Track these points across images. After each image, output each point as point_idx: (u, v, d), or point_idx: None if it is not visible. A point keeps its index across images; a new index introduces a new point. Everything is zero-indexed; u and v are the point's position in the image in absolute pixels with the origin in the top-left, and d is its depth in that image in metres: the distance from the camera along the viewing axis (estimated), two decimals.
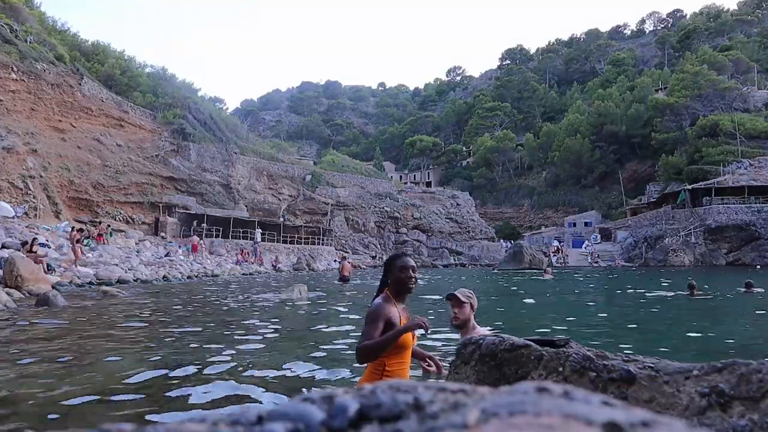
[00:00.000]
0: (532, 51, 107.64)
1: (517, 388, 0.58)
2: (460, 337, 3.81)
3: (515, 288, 17.68)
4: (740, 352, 5.69)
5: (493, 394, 0.58)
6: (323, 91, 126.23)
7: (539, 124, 75.08)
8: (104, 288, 13.18)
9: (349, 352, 5.68)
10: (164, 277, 18.65)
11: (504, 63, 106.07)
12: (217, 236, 34.96)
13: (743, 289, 13.14)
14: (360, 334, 3.04)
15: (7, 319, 8.16)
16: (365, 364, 3.05)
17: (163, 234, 33.53)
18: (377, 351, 2.86)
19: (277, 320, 8.60)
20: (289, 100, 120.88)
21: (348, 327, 7.66)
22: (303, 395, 0.60)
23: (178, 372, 4.62)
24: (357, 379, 4.32)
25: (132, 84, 39.86)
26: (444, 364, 3.63)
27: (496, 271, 33.72)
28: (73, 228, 20.17)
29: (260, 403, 3.75)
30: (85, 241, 21.94)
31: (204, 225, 34.48)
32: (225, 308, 10.33)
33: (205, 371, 4.65)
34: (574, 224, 56.92)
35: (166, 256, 24.99)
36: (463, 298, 3.93)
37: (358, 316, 8.81)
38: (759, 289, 12.90)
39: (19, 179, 26.76)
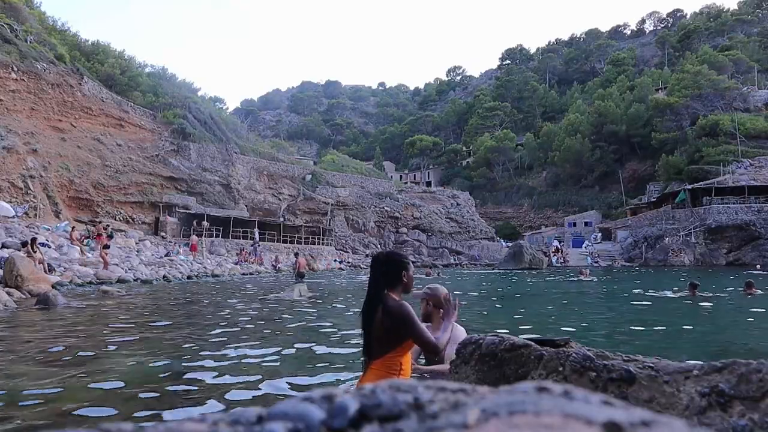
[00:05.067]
0: (532, 51, 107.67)
1: (517, 388, 0.58)
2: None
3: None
4: (740, 352, 5.69)
5: (493, 393, 0.58)
6: (323, 90, 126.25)
7: (539, 124, 75.09)
8: (104, 288, 13.18)
9: (349, 352, 5.67)
10: (164, 276, 18.64)
11: (504, 63, 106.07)
12: (217, 236, 34.95)
13: (742, 289, 13.09)
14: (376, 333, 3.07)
15: (7, 319, 8.16)
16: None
17: (163, 234, 33.52)
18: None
19: (277, 320, 8.60)
20: (289, 99, 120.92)
21: (347, 326, 7.66)
22: (303, 394, 0.59)
23: (178, 371, 4.62)
24: (357, 378, 4.32)
25: (132, 84, 39.85)
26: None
27: (496, 270, 33.69)
28: (99, 233, 20.19)
29: (260, 402, 3.75)
30: (85, 241, 21.96)
31: (204, 224, 34.47)
32: (225, 308, 10.33)
33: (205, 371, 4.65)
34: (574, 224, 56.92)
35: (165, 255, 24.98)
36: (421, 294, 4.04)
37: (354, 316, 8.80)
38: (758, 291, 12.83)
39: (19, 179, 26.76)
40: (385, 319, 2.94)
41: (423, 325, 3.01)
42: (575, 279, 21.62)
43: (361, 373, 3.40)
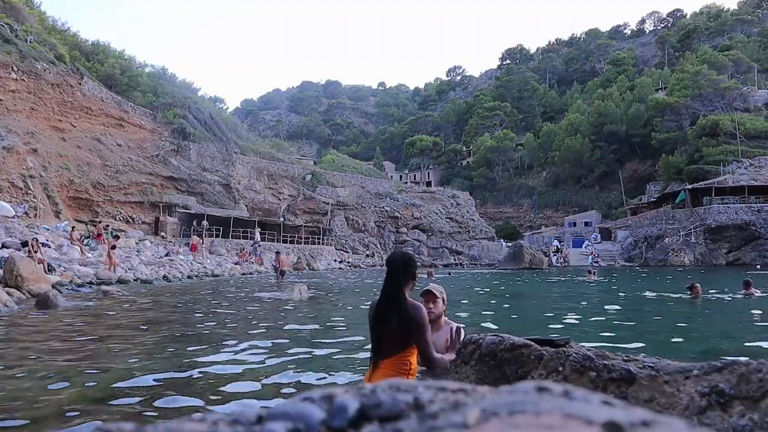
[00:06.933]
0: (532, 51, 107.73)
1: (517, 388, 0.58)
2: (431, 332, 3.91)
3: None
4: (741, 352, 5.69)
5: (494, 393, 0.58)
6: (323, 90, 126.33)
7: (539, 124, 75.12)
8: (104, 288, 13.17)
9: (349, 351, 5.68)
10: (164, 276, 18.62)
11: (504, 63, 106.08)
12: (217, 236, 34.95)
13: (742, 290, 13.05)
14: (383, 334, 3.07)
15: (7, 319, 8.16)
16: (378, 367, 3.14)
17: (163, 234, 33.52)
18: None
19: (277, 320, 8.60)
20: (289, 99, 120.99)
21: (348, 325, 7.66)
22: (303, 394, 0.59)
23: (178, 371, 4.62)
24: (356, 378, 4.31)
25: (132, 84, 39.86)
26: None
27: (498, 271, 33.68)
28: (112, 235, 20.76)
29: (260, 402, 3.75)
30: (86, 241, 21.95)
31: (204, 224, 34.47)
32: (224, 308, 10.33)
33: (205, 371, 4.65)
34: (574, 224, 56.93)
35: (165, 255, 24.97)
36: (437, 293, 4.01)
37: (353, 314, 8.84)
38: (758, 292, 12.79)
39: (19, 179, 26.75)
40: (402, 321, 2.96)
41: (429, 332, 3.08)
42: (584, 279, 21.45)
43: (363, 373, 3.41)
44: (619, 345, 6.07)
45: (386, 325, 2.98)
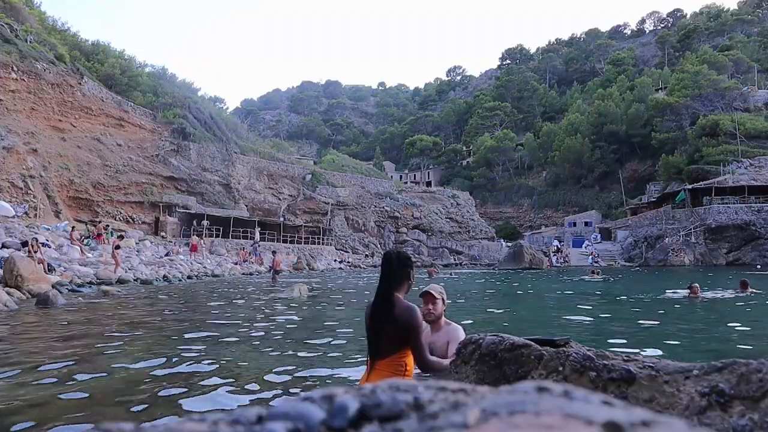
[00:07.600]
0: (532, 51, 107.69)
1: (517, 388, 0.58)
2: (430, 333, 3.85)
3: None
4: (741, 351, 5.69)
5: (494, 393, 0.58)
6: (323, 90, 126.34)
7: (539, 124, 75.10)
8: (104, 288, 13.18)
9: (349, 351, 5.68)
10: (164, 276, 18.62)
11: (504, 63, 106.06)
12: (217, 236, 34.95)
13: (739, 289, 13.07)
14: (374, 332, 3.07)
15: (7, 319, 8.16)
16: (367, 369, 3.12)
17: (163, 234, 33.51)
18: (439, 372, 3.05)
19: (276, 319, 8.61)
20: (289, 99, 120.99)
21: (347, 326, 7.66)
22: (303, 394, 0.60)
23: (178, 371, 4.62)
24: (356, 377, 4.31)
25: (132, 84, 39.86)
26: None
27: (496, 270, 33.67)
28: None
29: (260, 402, 3.75)
30: (86, 241, 21.96)
31: (204, 224, 34.46)
32: (224, 308, 10.33)
33: (205, 371, 4.65)
34: (574, 224, 56.91)
35: (165, 255, 24.96)
36: (436, 294, 3.99)
37: (351, 313, 8.85)
38: (756, 291, 12.80)
39: (19, 179, 26.74)
40: (396, 321, 2.95)
41: (425, 332, 3.07)
42: (587, 278, 21.46)
43: (363, 373, 3.40)
44: (618, 344, 6.07)
45: (382, 325, 2.97)
